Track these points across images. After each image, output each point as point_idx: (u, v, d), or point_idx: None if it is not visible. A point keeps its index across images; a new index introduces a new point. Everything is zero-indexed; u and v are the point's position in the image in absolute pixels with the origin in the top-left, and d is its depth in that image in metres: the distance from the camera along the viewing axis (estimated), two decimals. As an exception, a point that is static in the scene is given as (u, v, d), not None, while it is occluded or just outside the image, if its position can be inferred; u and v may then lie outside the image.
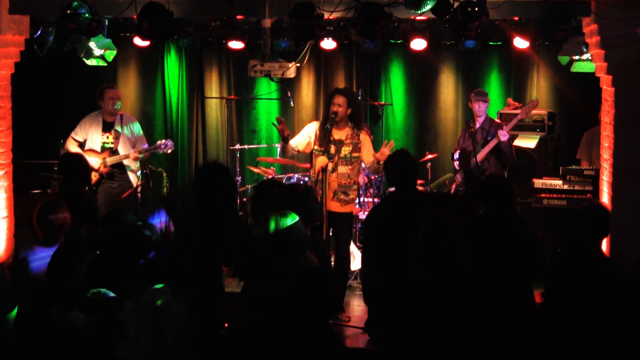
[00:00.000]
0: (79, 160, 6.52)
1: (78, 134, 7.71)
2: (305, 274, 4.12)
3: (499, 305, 4.47)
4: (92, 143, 7.64)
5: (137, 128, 7.83)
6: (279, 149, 8.26)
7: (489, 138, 7.41)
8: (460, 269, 4.15)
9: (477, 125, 7.54)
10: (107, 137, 7.65)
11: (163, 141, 7.75)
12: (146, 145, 7.78)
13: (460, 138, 7.77)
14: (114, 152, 7.62)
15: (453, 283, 4.12)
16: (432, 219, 4.22)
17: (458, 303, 4.11)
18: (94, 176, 7.50)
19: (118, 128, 7.67)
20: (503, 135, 7.26)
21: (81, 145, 7.68)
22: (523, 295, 4.74)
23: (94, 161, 7.53)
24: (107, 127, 7.68)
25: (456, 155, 7.56)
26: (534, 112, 8.11)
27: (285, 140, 6.71)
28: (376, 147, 6.87)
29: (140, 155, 7.64)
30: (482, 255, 4.54)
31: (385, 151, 6.34)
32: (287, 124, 8.23)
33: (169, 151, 7.85)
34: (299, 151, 6.90)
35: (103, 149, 7.63)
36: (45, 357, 4.30)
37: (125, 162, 7.63)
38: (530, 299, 4.80)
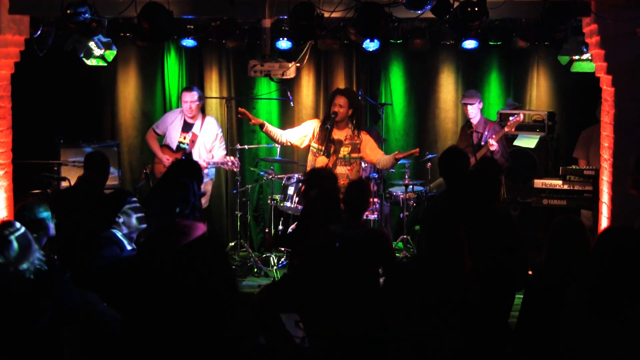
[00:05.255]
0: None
1: (159, 127, 7.67)
2: None
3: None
4: (169, 140, 7.57)
5: (216, 134, 7.71)
6: (278, 149, 8.27)
7: (482, 143, 7.44)
8: None
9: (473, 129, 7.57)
10: (184, 138, 7.60)
11: (230, 159, 7.63)
12: (215, 158, 7.67)
13: (459, 140, 7.78)
14: (187, 154, 7.51)
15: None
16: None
17: None
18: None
19: (197, 131, 7.59)
20: (492, 146, 7.30)
21: (159, 139, 7.63)
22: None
23: (166, 158, 7.50)
24: (186, 127, 7.63)
25: None
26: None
27: (261, 126, 6.86)
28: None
29: (207, 167, 7.55)
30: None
31: (415, 152, 6.73)
32: (288, 124, 8.29)
33: (235, 169, 7.73)
34: (290, 144, 6.89)
35: (178, 148, 7.57)
36: None
37: None
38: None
